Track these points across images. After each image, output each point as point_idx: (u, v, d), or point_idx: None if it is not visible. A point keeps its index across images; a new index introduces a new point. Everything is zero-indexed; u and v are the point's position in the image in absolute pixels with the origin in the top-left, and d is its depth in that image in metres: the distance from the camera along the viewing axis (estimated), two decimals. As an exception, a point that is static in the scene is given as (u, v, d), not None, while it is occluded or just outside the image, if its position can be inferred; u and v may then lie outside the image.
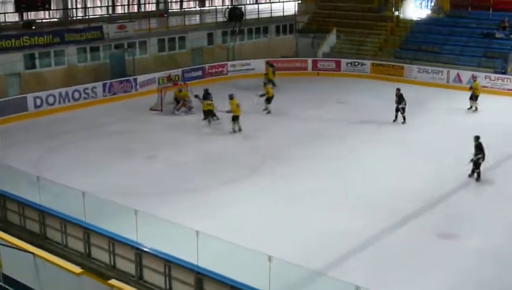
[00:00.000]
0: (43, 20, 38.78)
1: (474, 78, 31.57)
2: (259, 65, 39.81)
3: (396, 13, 43.78)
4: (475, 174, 21.41)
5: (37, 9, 37.59)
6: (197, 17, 44.41)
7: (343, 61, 40.13)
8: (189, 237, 13.89)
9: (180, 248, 14.56)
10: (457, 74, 35.93)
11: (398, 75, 37.86)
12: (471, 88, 30.74)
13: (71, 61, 34.23)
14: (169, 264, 14.54)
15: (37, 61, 33.09)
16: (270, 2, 51.33)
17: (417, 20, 42.80)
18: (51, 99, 30.67)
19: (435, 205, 19.52)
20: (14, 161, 22.26)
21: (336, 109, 31.41)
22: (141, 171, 22.83)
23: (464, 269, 15.71)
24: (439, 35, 40.06)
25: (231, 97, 27.36)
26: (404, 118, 28.36)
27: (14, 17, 37.92)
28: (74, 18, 41.02)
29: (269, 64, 36.95)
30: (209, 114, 28.11)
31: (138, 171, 22.75)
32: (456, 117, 29.90)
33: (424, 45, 39.64)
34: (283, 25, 45.84)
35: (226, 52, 41.08)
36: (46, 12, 38.96)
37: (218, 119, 28.10)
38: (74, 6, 41.53)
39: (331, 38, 43.14)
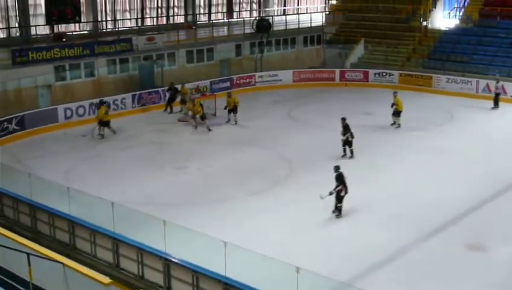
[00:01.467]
0: (74, 33, 39.20)
1: (395, 93, 29.74)
2: (286, 76, 39.99)
3: (425, 23, 43.59)
4: (336, 210, 19.33)
5: (67, 21, 38.05)
6: (225, 28, 44.76)
7: (371, 71, 40.01)
8: (217, 247, 13.90)
9: (208, 258, 14.57)
10: (487, 84, 35.54)
11: (426, 85, 37.66)
12: (393, 105, 29.32)
13: (101, 73, 34.51)
14: (197, 274, 14.53)
15: (67, 73, 33.36)
16: (298, 14, 51.51)
17: (445, 30, 42.56)
18: (81, 111, 30.98)
19: (465, 216, 19.33)
20: (45, 171, 22.60)
21: (363, 120, 31.25)
22: (170, 181, 22.97)
23: (494, 282, 15.47)
24: (468, 45, 39.71)
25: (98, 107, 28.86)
26: (352, 152, 24.96)
27: (45, 30, 38.39)
28: (104, 30, 41.44)
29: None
30: (106, 125, 28.50)
31: (167, 182, 22.89)
32: (486, 128, 29.65)
33: (452, 55, 39.35)
34: (311, 36, 45.77)
35: (253, 63, 41.17)
36: (77, 24, 39.48)
37: (115, 132, 28.55)
38: (104, 19, 42.00)
39: (359, 49, 43.09)
